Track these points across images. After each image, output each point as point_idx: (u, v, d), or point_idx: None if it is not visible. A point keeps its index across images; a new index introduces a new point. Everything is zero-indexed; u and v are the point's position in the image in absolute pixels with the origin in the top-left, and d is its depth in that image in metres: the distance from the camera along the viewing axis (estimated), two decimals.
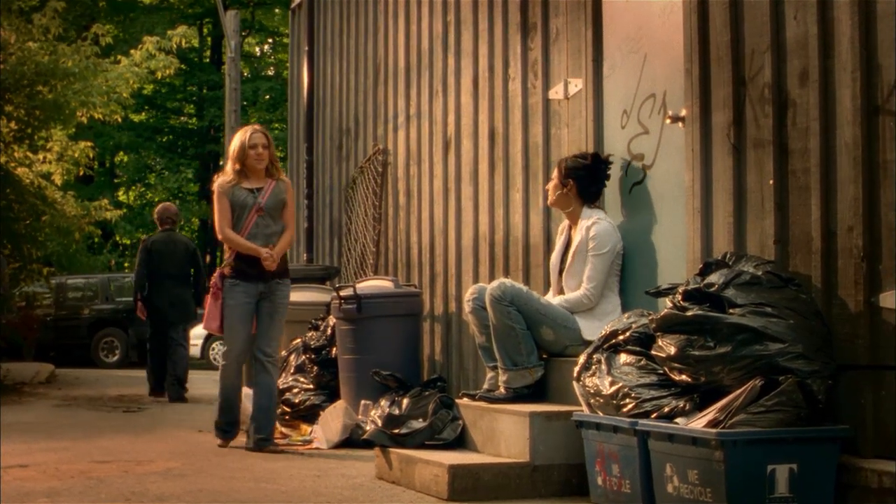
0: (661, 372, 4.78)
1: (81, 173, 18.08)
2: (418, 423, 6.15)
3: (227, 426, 7.64)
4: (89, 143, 16.86)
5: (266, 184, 7.45)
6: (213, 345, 22.19)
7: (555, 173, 6.36)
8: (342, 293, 7.86)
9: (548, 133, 7.08)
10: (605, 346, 5.12)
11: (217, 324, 7.47)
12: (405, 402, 6.36)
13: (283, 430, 7.89)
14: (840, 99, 4.58)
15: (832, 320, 4.56)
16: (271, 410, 7.45)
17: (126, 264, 33.27)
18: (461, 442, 6.11)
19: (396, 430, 6.15)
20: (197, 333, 22.34)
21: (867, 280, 4.42)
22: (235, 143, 7.51)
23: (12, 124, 14.58)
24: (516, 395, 5.98)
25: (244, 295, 7.38)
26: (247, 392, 8.78)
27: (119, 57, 16.67)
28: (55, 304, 22.63)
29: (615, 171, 6.34)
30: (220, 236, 7.45)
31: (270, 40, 38.21)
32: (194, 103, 35.22)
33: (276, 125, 30.58)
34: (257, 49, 39.05)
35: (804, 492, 4.23)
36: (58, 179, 16.25)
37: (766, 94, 5.00)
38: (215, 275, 7.48)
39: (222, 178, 7.52)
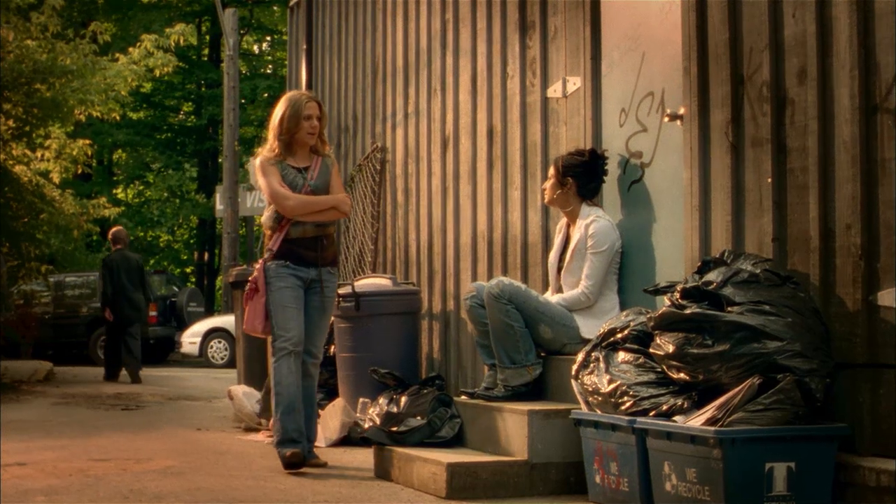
0: (660, 370, 4.78)
1: (80, 171, 18.05)
2: (416, 421, 6.15)
3: (296, 435, 6.33)
4: (87, 141, 16.85)
5: (312, 161, 6.58)
6: (212, 343, 22.18)
7: (551, 172, 6.35)
8: (340, 291, 7.85)
9: (546, 131, 7.08)
10: (603, 345, 5.12)
11: (262, 323, 6.43)
12: (403, 400, 6.36)
13: None
14: (838, 97, 4.58)
15: (830, 318, 4.56)
16: (312, 419, 6.59)
17: None
18: (459, 440, 6.11)
19: (395, 428, 6.15)
20: (195, 331, 22.38)
21: (865, 278, 4.43)
22: (284, 111, 6.50)
23: (10, 122, 14.58)
24: (514, 394, 5.98)
25: (295, 278, 6.42)
26: (245, 390, 8.80)
27: (117, 55, 16.66)
28: (53, 302, 22.61)
29: (614, 169, 6.34)
30: (284, 207, 6.38)
31: (269, 38, 38.22)
32: (193, 101, 35.23)
33: None
34: (255, 47, 39.05)
35: (802, 490, 4.24)
36: (56, 177, 16.24)
37: (764, 93, 5.00)
38: (257, 268, 6.51)
39: (265, 154, 6.53)
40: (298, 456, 6.17)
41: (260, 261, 6.56)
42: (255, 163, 6.58)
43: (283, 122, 6.49)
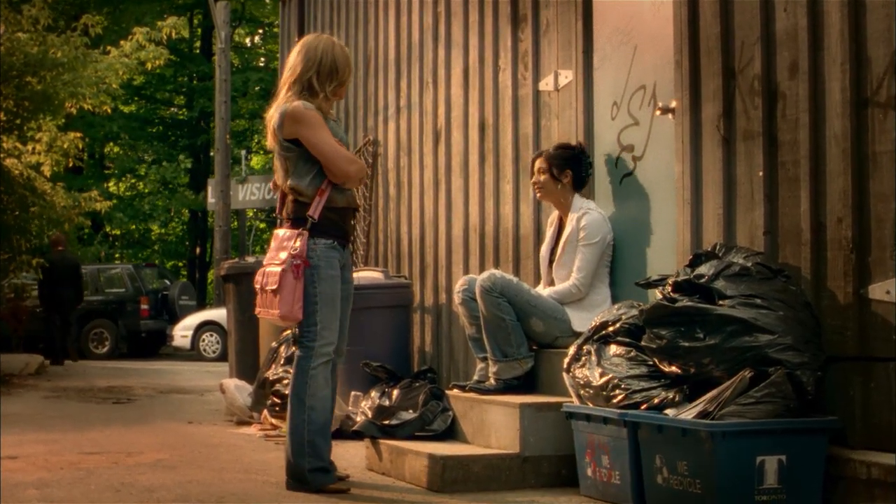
0: (651, 363, 4.79)
1: (71, 164, 18.03)
2: (408, 415, 6.16)
3: (329, 461, 5.40)
4: (78, 134, 16.80)
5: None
6: (203, 336, 22.15)
7: (542, 167, 6.31)
8: None
9: (538, 124, 7.08)
10: (595, 338, 5.12)
11: (301, 308, 5.27)
12: (395, 393, 6.37)
13: (274, 421, 7.88)
14: (829, 91, 4.59)
15: (821, 312, 4.57)
16: (328, 426, 5.50)
17: (117, 255, 33.29)
18: (451, 433, 6.11)
19: (386, 422, 6.15)
20: (186, 325, 22.36)
21: (856, 271, 4.43)
22: (335, 55, 5.41)
23: (1, 115, 14.53)
24: (506, 387, 5.98)
25: (339, 264, 5.40)
26: (237, 383, 8.80)
27: (108, 48, 16.61)
28: None
29: (606, 163, 6.34)
30: (347, 172, 5.31)
31: (260, 31, 38.18)
32: (184, 94, 35.18)
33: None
34: (247, 40, 39.00)
35: (793, 483, 4.25)
36: (47, 170, 16.20)
37: (755, 86, 5.00)
38: (301, 241, 5.27)
39: (312, 105, 5.34)
40: (342, 487, 5.35)
41: (303, 232, 5.32)
42: (300, 107, 5.32)
43: (336, 68, 5.41)
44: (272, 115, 5.44)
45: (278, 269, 5.29)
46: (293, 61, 5.47)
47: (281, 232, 5.47)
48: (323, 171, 5.35)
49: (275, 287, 5.28)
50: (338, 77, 5.42)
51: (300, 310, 5.26)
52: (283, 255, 5.31)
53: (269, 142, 5.51)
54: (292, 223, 5.40)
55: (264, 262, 5.50)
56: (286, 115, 5.33)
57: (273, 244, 5.47)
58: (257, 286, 5.47)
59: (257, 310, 5.53)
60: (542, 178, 6.32)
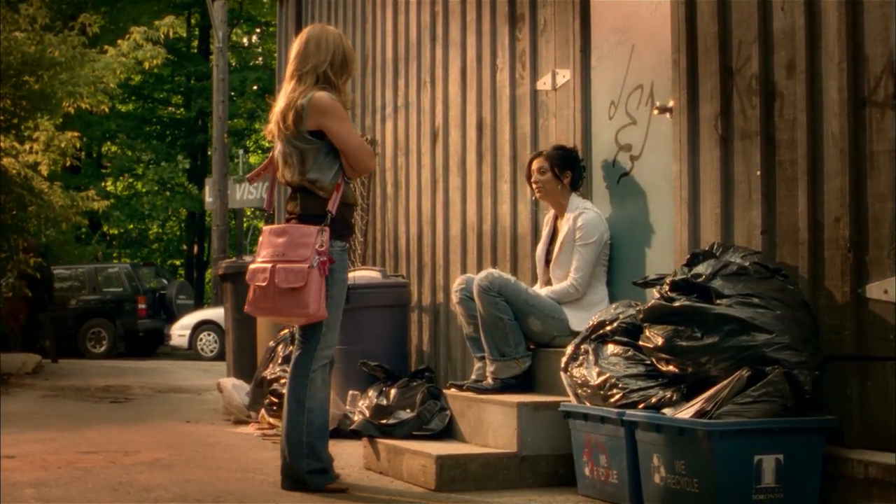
0: (649, 362, 4.79)
1: (68, 164, 18.01)
2: (406, 414, 6.16)
3: (329, 462, 5.37)
4: (76, 134, 16.79)
5: None
6: (201, 335, 22.13)
7: (541, 166, 6.30)
8: None
9: (535, 124, 7.07)
10: (592, 337, 5.12)
11: (325, 307, 5.20)
12: (393, 392, 6.37)
13: (271, 420, 7.89)
14: (827, 90, 4.59)
15: (819, 311, 4.57)
16: (326, 427, 5.42)
17: (114, 254, 33.28)
18: (449, 432, 6.11)
19: (384, 421, 6.15)
20: (184, 324, 22.34)
21: (854, 271, 4.44)
22: (346, 49, 5.38)
23: None
24: (504, 386, 5.98)
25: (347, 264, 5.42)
26: (235, 382, 8.79)
27: (106, 47, 16.60)
28: None
29: (604, 162, 6.34)
30: (368, 165, 5.36)
31: (258, 30, 38.16)
32: (182, 93, 35.16)
33: (264, 115, 30.53)
34: (245, 39, 38.98)
35: (791, 482, 4.25)
36: (44, 170, 16.19)
37: (753, 86, 5.00)
38: (324, 239, 5.14)
39: (335, 97, 5.27)
40: (340, 486, 5.31)
41: (324, 229, 5.18)
42: (326, 98, 5.23)
43: (346, 60, 5.36)
44: (285, 105, 5.28)
45: (302, 265, 5.12)
46: (303, 51, 5.37)
47: (288, 227, 5.29)
48: (341, 165, 5.26)
49: (300, 284, 5.11)
50: (348, 70, 5.36)
51: (324, 308, 5.15)
52: (304, 251, 5.14)
53: (275, 132, 5.34)
54: (304, 219, 5.26)
55: (267, 259, 5.30)
56: (311, 106, 5.20)
57: (277, 239, 5.27)
58: (262, 283, 5.28)
59: (249, 308, 5.41)
60: (544, 177, 6.30)
